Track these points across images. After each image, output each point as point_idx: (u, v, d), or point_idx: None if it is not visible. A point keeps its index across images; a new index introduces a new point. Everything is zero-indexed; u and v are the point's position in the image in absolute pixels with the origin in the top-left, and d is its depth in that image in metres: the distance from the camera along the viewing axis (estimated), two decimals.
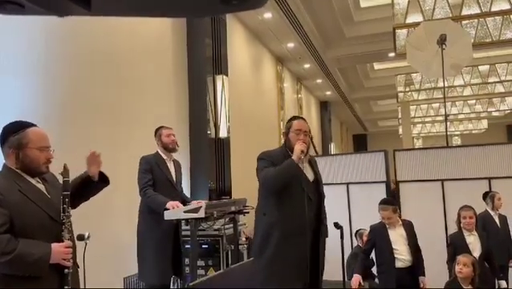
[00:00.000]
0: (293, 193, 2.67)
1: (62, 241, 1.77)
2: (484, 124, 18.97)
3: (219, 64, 6.14)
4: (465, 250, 3.49)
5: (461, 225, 3.67)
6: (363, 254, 3.68)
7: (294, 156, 2.61)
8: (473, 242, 3.60)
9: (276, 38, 9.00)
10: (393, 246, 3.49)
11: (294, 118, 2.94)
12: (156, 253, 3.31)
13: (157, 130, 3.64)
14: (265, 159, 2.72)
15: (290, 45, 9.43)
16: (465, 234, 3.63)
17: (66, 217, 1.79)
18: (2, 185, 1.74)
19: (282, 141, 2.94)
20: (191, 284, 1.45)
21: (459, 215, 3.72)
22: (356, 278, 3.39)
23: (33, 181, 1.85)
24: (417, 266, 3.50)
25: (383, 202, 3.67)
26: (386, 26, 8.73)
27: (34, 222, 1.75)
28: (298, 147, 2.63)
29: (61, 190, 1.84)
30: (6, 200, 1.70)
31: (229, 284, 1.73)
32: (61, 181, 1.92)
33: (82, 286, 1.89)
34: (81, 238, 1.84)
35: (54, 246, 1.73)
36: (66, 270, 1.76)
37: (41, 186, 1.87)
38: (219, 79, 6.09)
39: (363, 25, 9.96)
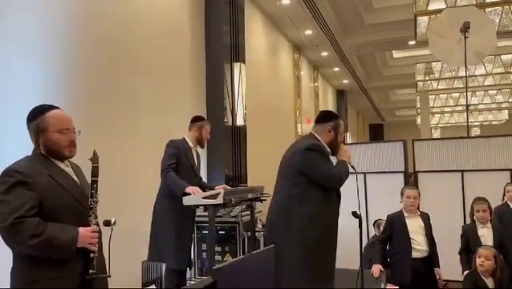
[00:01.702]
0: (330, 191, 2.71)
1: (89, 225, 1.80)
2: (504, 114, 18.52)
3: (237, 51, 6.12)
4: (477, 241, 3.48)
5: (474, 217, 3.64)
6: (380, 243, 3.67)
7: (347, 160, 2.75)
8: (486, 234, 3.56)
9: (294, 25, 8.90)
10: (411, 236, 3.49)
11: (337, 116, 2.86)
12: (178, 238, 3.37)
13: (200, 120, 3.67)
14: (319, 151, 2.66)
15: (308, 32, 9.32)
16: (478, 226, 3.60)
17: (93, 203, 1.82)
18: (30, 168, 1.76)
19: (321, 135, 2.74)
20: (214, 268, 1.47)
21: (472, 208, 3.69)
22: (377, 267, 3.41)
23: (62, 165, 1.87)
24: (433, 257, 3.52)
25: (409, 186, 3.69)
26: (407, 13, 8.54)
27: (62, 206, 1.78)
28: (349, 156, 2.79)
29: (87, 176, 1.87)
30: (36, 182, 1.72)
31: (253, 269, 1.75)
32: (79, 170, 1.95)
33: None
34: (107, 223, 1.87)
35: (81, 230, 1.76)
36: (91, 255, 1.79)
37: (69, 170, 1.90)
38: (236, 66, 6.07)
39: (383, 12, 9.76)
